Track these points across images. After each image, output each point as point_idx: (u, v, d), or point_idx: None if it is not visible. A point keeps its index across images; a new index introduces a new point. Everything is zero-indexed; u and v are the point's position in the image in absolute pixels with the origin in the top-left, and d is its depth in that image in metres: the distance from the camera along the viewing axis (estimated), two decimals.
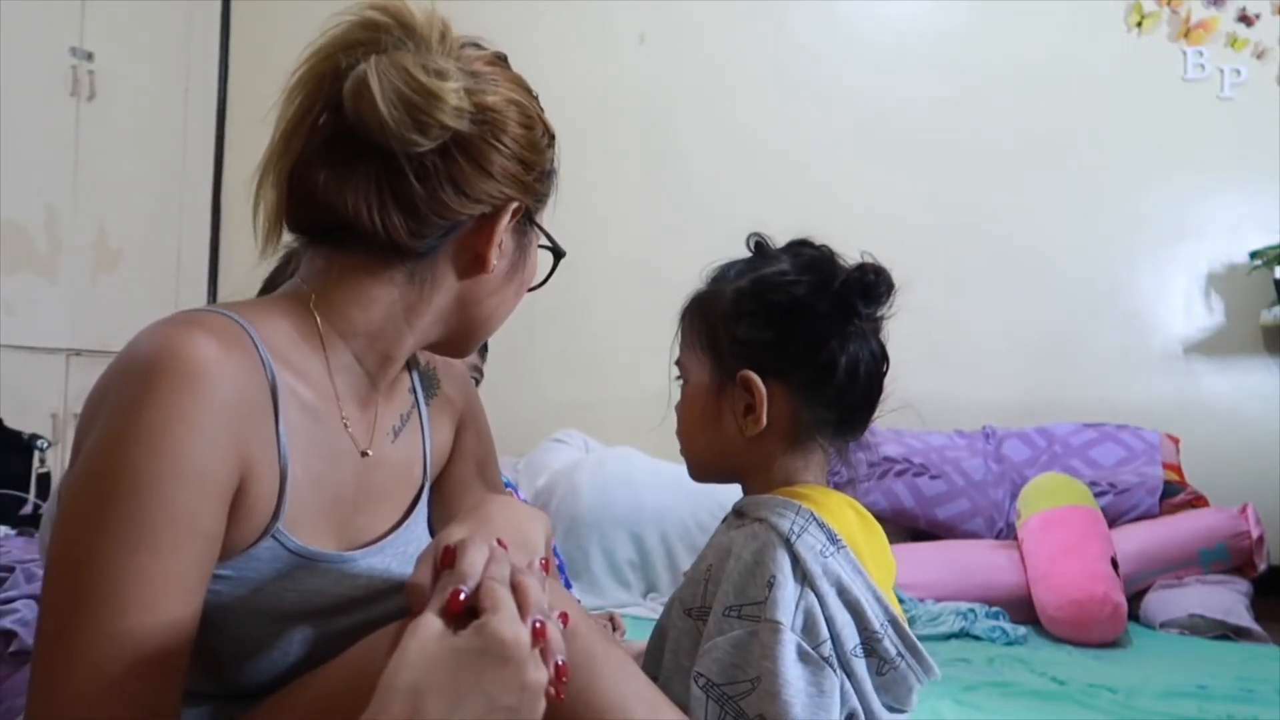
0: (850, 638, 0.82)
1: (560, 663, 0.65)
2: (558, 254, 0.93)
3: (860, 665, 0.82)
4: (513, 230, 0.85)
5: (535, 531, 0.81)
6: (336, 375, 0.82)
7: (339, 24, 0.79)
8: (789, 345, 0.89)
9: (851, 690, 0.82)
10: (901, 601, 1.02)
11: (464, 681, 0.60)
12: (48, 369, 2.92)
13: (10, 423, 2.53)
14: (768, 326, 0.89)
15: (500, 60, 0.85)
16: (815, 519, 0.84)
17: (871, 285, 0.88)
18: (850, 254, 0.93)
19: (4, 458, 2.46)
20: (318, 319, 0.81)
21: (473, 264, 0.83)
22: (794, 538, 0.83)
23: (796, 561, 0.82)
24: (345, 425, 0.83)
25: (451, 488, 0.99)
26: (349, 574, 0.81)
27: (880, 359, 0.91)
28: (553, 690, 0.65)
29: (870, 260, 0.90)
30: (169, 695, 0.68)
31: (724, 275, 0.95)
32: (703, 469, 0.96)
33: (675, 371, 0.98)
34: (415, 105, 0.75)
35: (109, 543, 0.66)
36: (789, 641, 0.79)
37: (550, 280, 0.94)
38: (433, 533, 0.99)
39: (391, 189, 0.78)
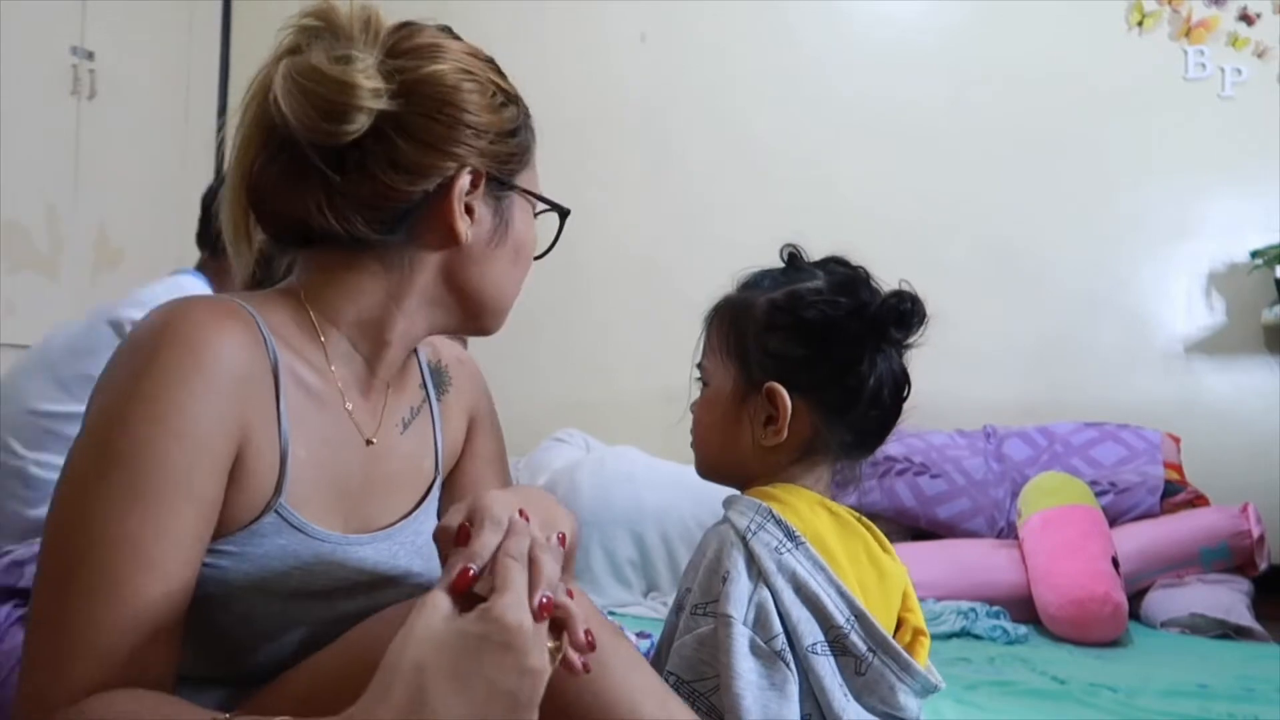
0: (809, 634, 0.82)
1: (587, 632, 0.65)
2: (562, 214, 0.92)
3: (821, 663, 0.82)
4: (484, 196, 0.84)
5: (561, 516, 0.81)
6: (335, 364, 0.84)
7: (282, 35, 0.81)
8: (819, 364, 0.89)
9: (812, 689, 0.82)
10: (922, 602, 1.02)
11: (466, 664, 0.60)
12: None
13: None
14: (800, 343, 0.90)
15: (443, 33, 0.85)
16: (773, 516, 0.86)
17: (907, 314, 0.88)
18: (852, 252, 0.94)
19: None
20: (310, 312, 0.83)
21: (445, 238, 0.83)
22: (749, 535, 0.84)
23: (752, 558, 0.84)
24: (349, 413, 0.84)
25: (464, 487, 0.99)
26: (354, 556, 0.82)
27: (902, 384, 0.92)
28: (579, 662, 0.65)
29: (907, 287, 0.90)
30: (163, 654, 0.69)
31: (756, 284, 0.95)
32: (711, 469, 0.97)
33: (696, 374, 0.98)
34: (322, 96, 0.76)
35: (105, 502, 0.68)
36: (741, 635, 0.80)
37: (555, 248, 0.93)
38: None
39: (337, 185, 0.79)
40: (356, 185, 0.79)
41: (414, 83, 0.79)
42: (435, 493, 0.94)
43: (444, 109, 0.80)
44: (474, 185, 0.83)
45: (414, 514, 0.90)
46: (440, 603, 0.62)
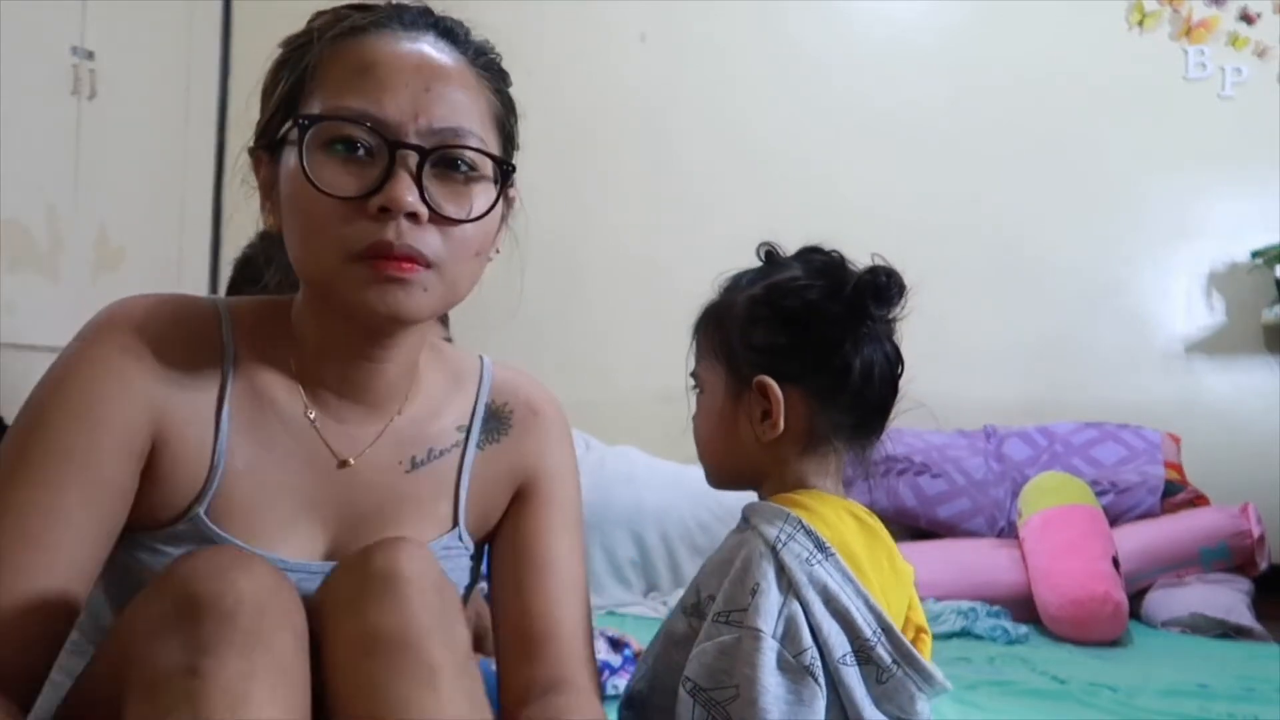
0: (839, 646, 0.81)
1: None
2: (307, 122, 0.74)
3: (850, 674, 0.82)
4: (272, 168, 0.79)
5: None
6: (306, 379, 0.82)
7: None
8: (803, 350, 0.89)
9: (839, 699, 0.82)
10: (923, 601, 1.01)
11: None
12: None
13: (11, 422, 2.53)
14: (781, 332, 0.89)
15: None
16: (803, 526, 0.84)
17: (883, 287, 0.88)
18: (852, 252, 0.93)
19: None
20: (294, 325, 0.83)
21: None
22: (780, 546, 0.83)
23: (782, 570, 0.82)
24: (317, 431, 0.81)
25: (507, 556, 0.90)
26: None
27: (894, 361, 0.91)
28: None
29: (881, 262, 0.89)
30: (35, 630, 0.68)
31: (736, 285, 0.95)
32: (720, 476, 0.96)
33: (691, 382, 0.98)
34: None
35: (5, 478, 0.70)
36: (769, 649, 0.79)
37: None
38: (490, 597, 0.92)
39: None
40: None
41: None
42: (449, 543, 0.88)
43: None
44: (259, 167, 0.81)
45: None
46: None
